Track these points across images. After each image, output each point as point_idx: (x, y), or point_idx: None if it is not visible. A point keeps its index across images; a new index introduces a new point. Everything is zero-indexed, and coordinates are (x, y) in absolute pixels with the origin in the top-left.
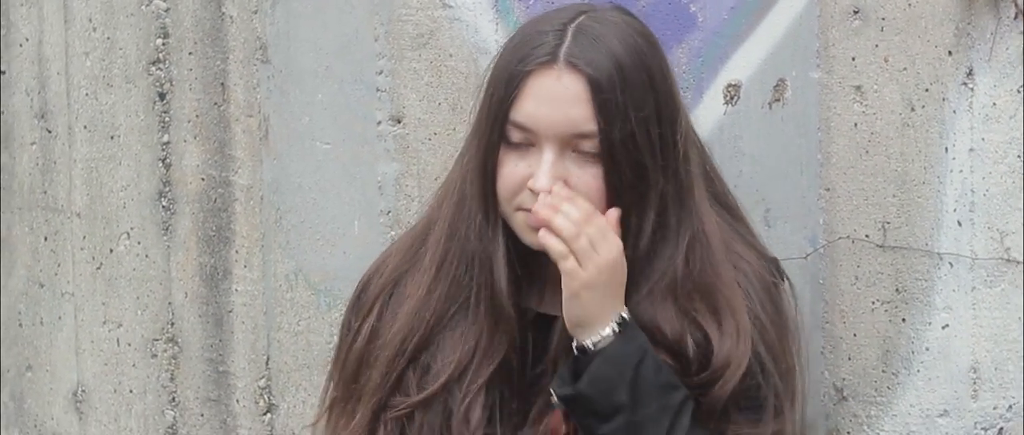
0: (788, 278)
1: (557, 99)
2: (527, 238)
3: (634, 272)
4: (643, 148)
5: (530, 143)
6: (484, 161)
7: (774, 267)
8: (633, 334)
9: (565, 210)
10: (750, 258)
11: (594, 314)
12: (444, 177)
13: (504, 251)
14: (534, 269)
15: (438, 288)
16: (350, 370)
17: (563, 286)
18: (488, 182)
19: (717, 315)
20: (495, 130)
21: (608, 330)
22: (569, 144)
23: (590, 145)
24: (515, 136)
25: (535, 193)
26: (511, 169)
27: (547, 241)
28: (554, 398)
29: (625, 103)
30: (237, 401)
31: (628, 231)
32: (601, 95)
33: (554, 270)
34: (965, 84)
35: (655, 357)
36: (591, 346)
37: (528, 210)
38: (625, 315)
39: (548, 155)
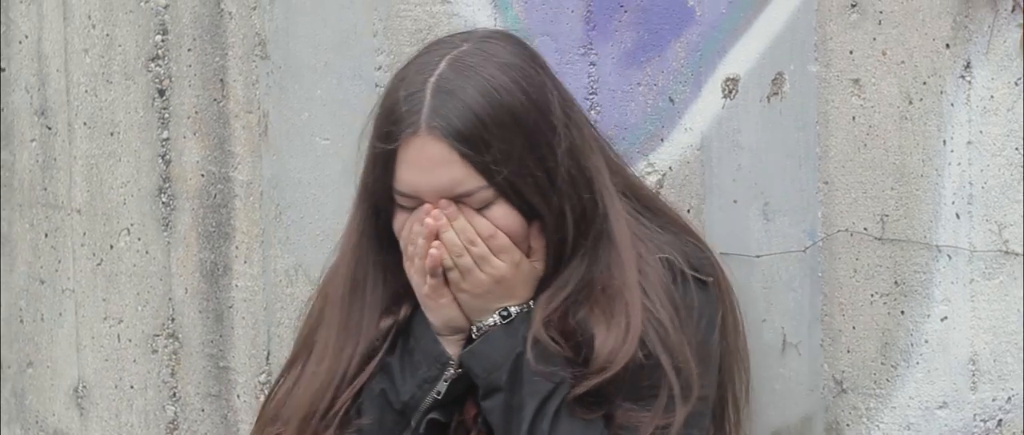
0: (720, 272)
1: (425, 167)
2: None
3: (547, 279)
4: (527, 182)
5: (422, 202)
6: (361, 205)
7: (702, 262)
8: (517, 327)
9: (457, 227)
10: (652, 261)
11: (479, 312)
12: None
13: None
14: None
15: (351, 311)
16: (266, 418)
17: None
18: (367, 223)
19: (610, 316)
20: (373, 203)
21: (491, 320)
22: (454, 198)
23: (474, 199)
24: (406, 202)
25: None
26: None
27: (432, 252)
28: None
29: (493, 151)
30: (238, 396)
31: (543, 251)
32: (467, 154)
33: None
34: (963, 77)
35: (542, 348)
36: (475, 331)
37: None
38: (513, 311)
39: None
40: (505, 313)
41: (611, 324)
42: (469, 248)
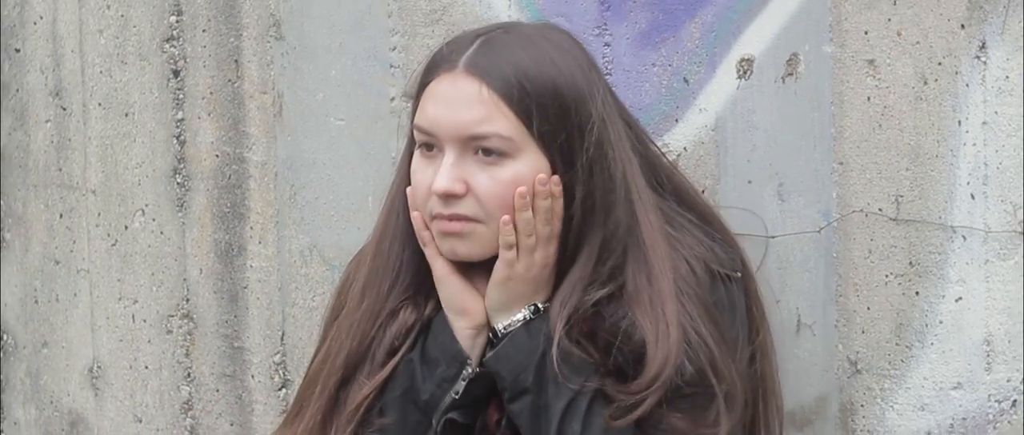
0: (746, 267)
1: (452, 102)
2: (440, 245)
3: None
4: (552, 143)
5: (438, 148)
6: (402, 170)
7: (729, 259)
8: (540, 325)
9: (538, 206)
10: (685, 270)
11: (513, 303)
12: None
13: (418, 259)
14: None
15: (369, 300)
16: (302, 391)
17: (495, 272)
18: (403, 190)
19: (655, 323)
20: (409, 140)
21: (520, 316)
22: (469, 146)
23: (490, 147)
24: (420, 139)
25: (438, 197)
26: (421, 176)
27: (505, 228)
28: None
29: (527, 105)
30: (252, 376)
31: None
32: (498, 95)
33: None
34: (978, 57)
35: (565, 347)
36: (502, 329)
37: (442, 217)
38: (540, 306)
39: (448, 158)
40: (534, 309)
41: (658, 333)
42: (537, 229)
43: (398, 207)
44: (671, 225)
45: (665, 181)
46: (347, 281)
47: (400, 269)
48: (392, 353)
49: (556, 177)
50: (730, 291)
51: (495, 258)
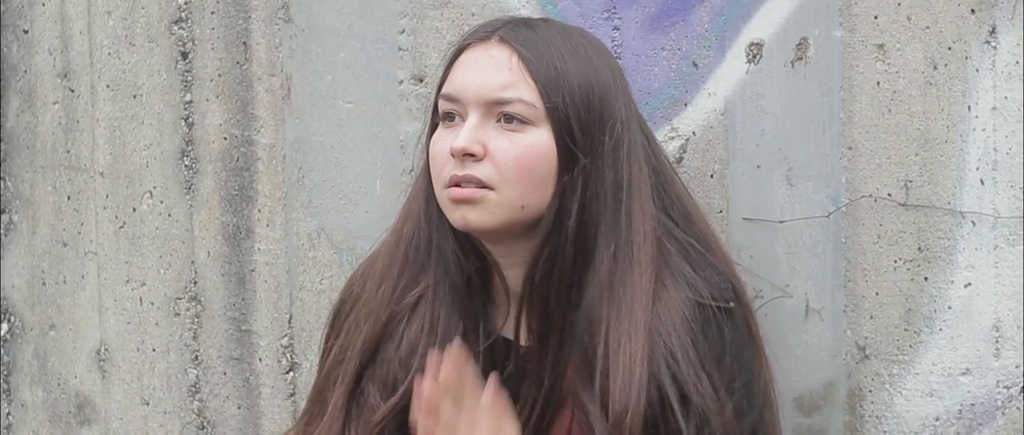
0: (741, 291)
1: (481, 66)
2: (451, 216)
3: (568, 259)
4: (571, 127)
5: (460, 117)
6: (427, 146)
7: (722, 289)
8: None
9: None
10: (674, 305)
11: None
12: None
13: (439, 242)
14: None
15: (386, 284)
16: (319, 387)
17: None
18: (428, 170)
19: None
20: (434, 114)
21: None
22: (491, 112)
23: (513, 112)
24: (445, 107)
25: (455, 158)
26: (440, 146)
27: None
28: None
29: (554, 79)
30: (260, 360)
31: (559, 209)
32: (527, 64)
33: (499, 287)
34: (988, 42)
35: None
36: None
37: (456, 183)
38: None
39: (471, 120)
40: None
41: (621, 371)
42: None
43: (420, 192)
44: (667, 247)
45: (675, 200)
46: (345, 299)
47: (409, 251)
48: (406, 368)
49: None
50: (719, 323)
51: (509, 232)
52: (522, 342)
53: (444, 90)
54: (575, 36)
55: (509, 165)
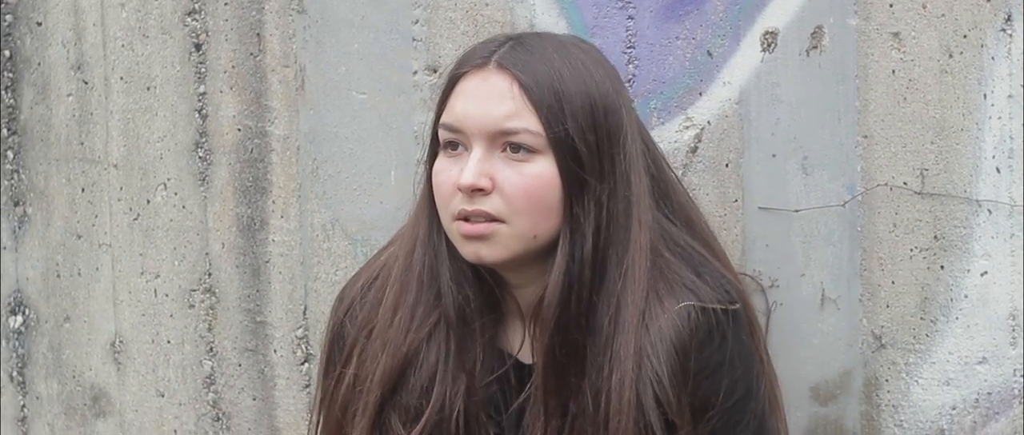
0: (741, 294)
1: (483, 97)
2: (462, 250)
3: (585, 284)
4: (578, 151)
5: (464, 147)
6: (428, 172)
7: (723, 294)
8: None
9: None
10: (666, 319)
11: None
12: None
13: (450, 269)
14: (493, 303)
15: (402, 313)
16: (337, 416)
17: None
18: (431, 194)
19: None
20: (434, 140)
21: None
22: (497, 143)
23: (519, 142)
24: (447, 137)
25: (463, 193)
26: (445, 176)
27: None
28: None
29: (556, 104)
30: (274, 351)
31: (572, 237)
32: (527, 93)
33: (511, 306)
34: (1003, 30)
35: None
36: None
37: (465, 218)
38: None
39: (475, 153)
40: None
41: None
42: None
43: (423, 216)
44: (663, 255)
45: (676, 206)
46: (342, 321)
47: (423, 277)
48: (427, 397)
49: None
50: (722, 328)
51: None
52: (535, 364)
53: (445, 120)
54: (572, 51)
55: (518, 196)
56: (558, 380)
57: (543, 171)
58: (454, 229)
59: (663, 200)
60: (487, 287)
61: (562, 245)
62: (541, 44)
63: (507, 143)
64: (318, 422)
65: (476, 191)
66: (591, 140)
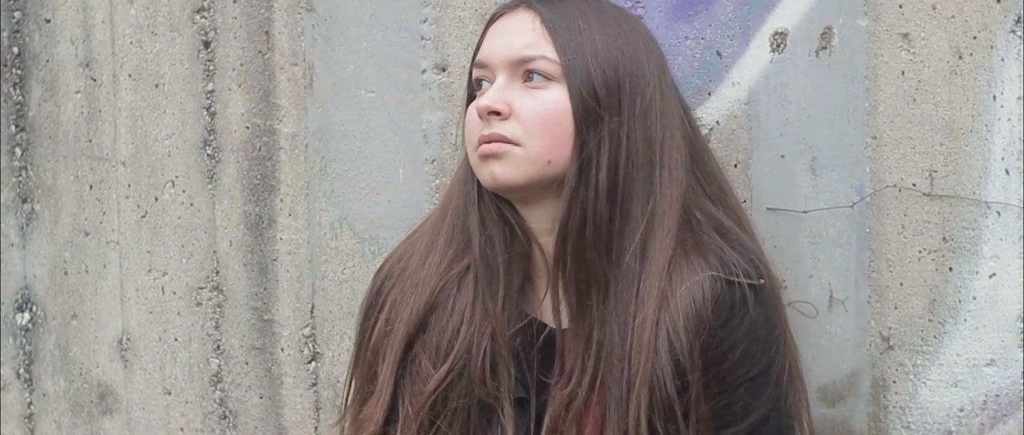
0: (768, 272)
1: (508, 31)
2: (480, 174)
3: (601, 216)
4: (593, 83)
5: (489, 82)
6: (463, 119)
7: (749, 268)
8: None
9: None
10: (684, 292)
11: None
12: None
13: (478, 212)
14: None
15: (433, 256)
16: (367, 363)
17: None
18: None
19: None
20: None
21: None
22: (517, 72)
23: (535, 69)
24: (477, 74)
25: (483, 118)
26: (471, 111)
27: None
28: None
29: (574, 37)
30: (282, 349)
31: (582, 164)
32: (547, 24)
33: (540, 266)
34: (1013, 32)
35: None
36: None
37: (482, 141)
38: None
39: (498, 82)
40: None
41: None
42: None
43: (461, 170)
44: (696, 216)
45: (709, 176)
46: (383, 282)
47: (455, 221)
48: (457, 337)
49: None
50: (746, 302)
51: (539, 190)
52: (564, 324)
53: (476, 58)
54: (608, 8)
55: (533, 120)
56: (581, 307)
57: (558, 97)
58: (475, 156)
59: (697, 166)
60: (515, 234)
61: (571, 171)
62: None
63: (527, 71)
64: (351, 379)
65: (493, 114)
66: (610, 77)
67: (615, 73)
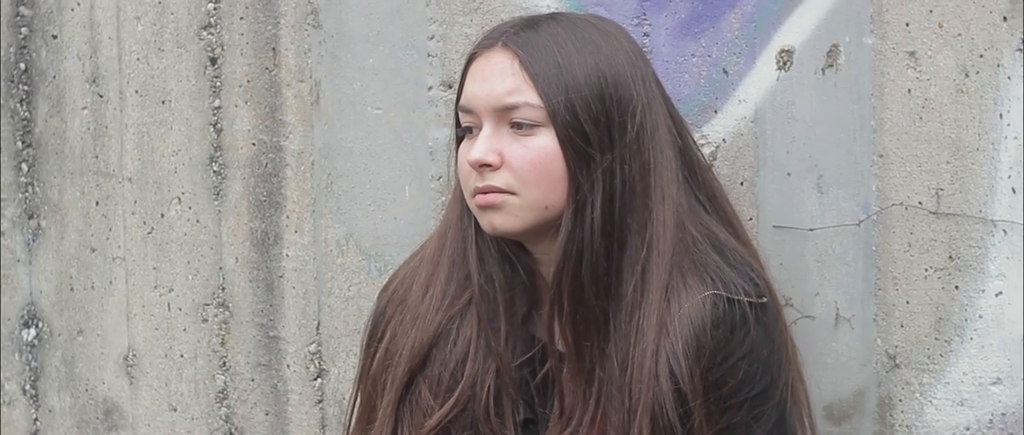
0: (771, 289)
1: (487, 75)
2: (481, 222)
3: (597, 252)
4: (581, 122)
5: (477, 128)
6: (456, 158)
7: (751, 286)
8: None
9: None
10: (684, 314)
11: None
12: None
13: (476, 249)
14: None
15: (433, 291)
16: (367, 394)
17: None
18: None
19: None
20: (457, 125)
21: None
22: (503, 119)
23: (521, 118)
24: (464, 120)
25: (474, 169)
26: (463, 158)
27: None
28: None
29: (555, 78)
30: (288, 366)
31: (577, 206)
32: (526, 68)
33: (543, 290)
34: (1020, 50)
35: None
36: None
37: (478, 191)
38: None
39: (484, 131)
40: None
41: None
42: None
43: (456, 200)
44: (691, 233)
45: (702, 184)
46: (384, 307)
47: (454, 257)
48: (460, 372)
49: None
50: (747, 322)
51: (541, 231)
52: (559, 347)
53: (460, 103)
54: (583, 27)
55: (525, 169)
56: (578, 347)
57: (547, 143)
58: (473, 205)
59: (690, 177)
60: (516, 269)
61: (566, 215)
62: (551, 23)
63: (511, 119)
64: (355, 400)
65: (485, 166)
66: (597, 110)
67: (601, 104)
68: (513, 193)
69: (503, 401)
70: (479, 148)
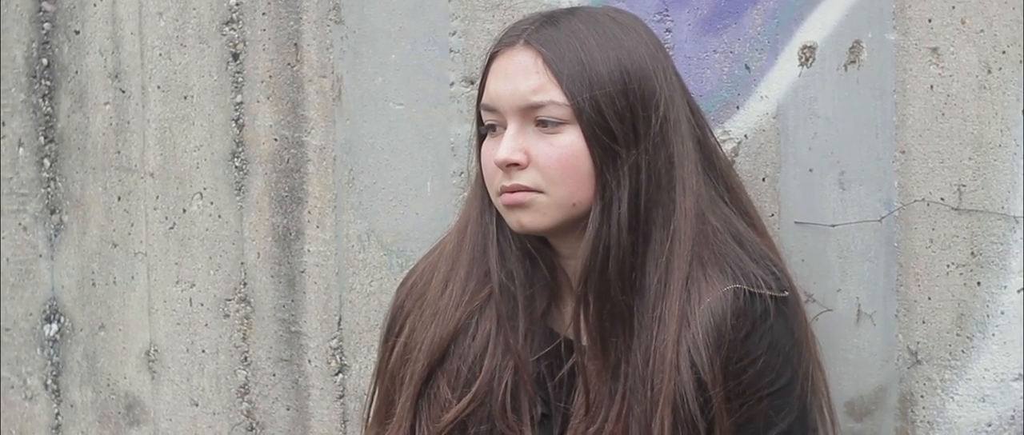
0: (791, 284)
1: (511, 74)
2: (508, 220)
3: (623, 248)
4: (606, 118)
5: (501, 126)
6: (478, 151)
7: (771, 279)
8: None
9: None
10: (703, 309)
11: None
12: None
13: (497, 246)
14: (552, 287)
15: (453, 287)
16: (385, 388)
17: None
18: (482, 174)
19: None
20: (479, 122)
21: None
22: (528, 117)
23: (547, 116)
24: (486, 118)
25: (501, 169)
26: (488, 157)
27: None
28: None
29: (580, 75)
30: (309, 361)
31: (605, 203)
32: (550, 65)
33: (565, 285)
34: None
35: None
36: None
37: (505, 190)
38: None
39: (510, 129)
40: None
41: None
42: None
43: (476, 197)
44: (712, 224)
45: (720, 174)
46: (403, 301)
47: (475, 253)
48: (479, 367)
49: None
50: (768, 315)
51: (568, 228)
52: (584, 343)
53: (483, 101)
54: (603, 22)
55: (552, 167)
56: (604, 343)
57: (573, 141)
58: (499, 203)
59: (709, 168)
60: (537, 265)
61: (594, 213)
62: (571, 18)
63: (537, 117)
64: (373, 393)
65: (512, 165)
66: (621, 106)
67: (625, 99)
68: (541, 192)
69: (520, 397)
70: (506, 147)
